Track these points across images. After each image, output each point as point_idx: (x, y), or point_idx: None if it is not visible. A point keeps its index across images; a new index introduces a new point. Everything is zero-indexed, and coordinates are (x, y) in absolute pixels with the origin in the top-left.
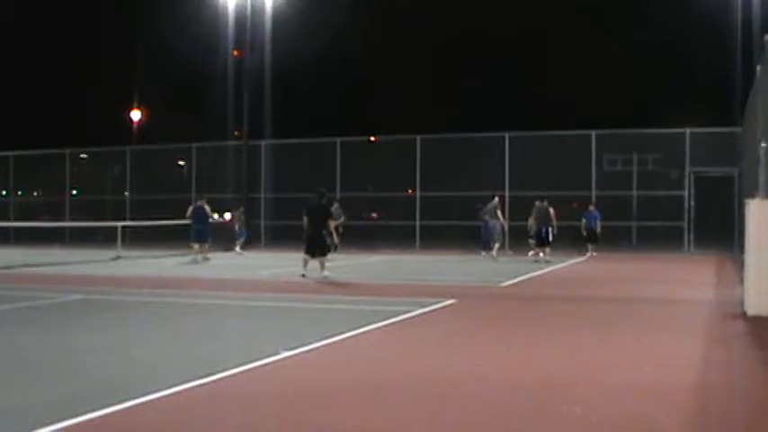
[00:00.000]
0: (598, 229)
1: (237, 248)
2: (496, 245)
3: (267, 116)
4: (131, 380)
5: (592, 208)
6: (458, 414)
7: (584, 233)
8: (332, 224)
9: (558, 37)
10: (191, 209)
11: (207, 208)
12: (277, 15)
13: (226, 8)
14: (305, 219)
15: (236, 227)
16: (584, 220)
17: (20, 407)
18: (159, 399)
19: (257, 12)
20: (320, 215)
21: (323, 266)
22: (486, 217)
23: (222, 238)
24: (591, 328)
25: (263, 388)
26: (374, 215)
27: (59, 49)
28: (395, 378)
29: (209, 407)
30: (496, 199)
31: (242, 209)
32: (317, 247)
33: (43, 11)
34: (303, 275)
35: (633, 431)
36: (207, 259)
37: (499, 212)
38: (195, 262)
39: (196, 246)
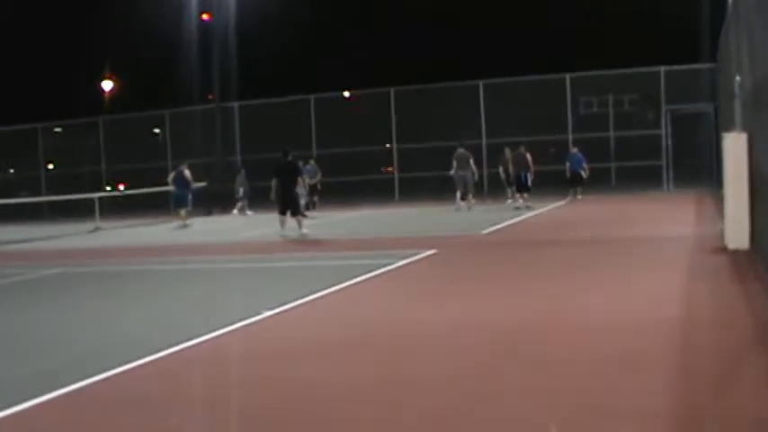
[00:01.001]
0: (585, 173)
1: (235, 211)
2: (470, 195)
3: (236, 77)
4: (113, 349)
5: (575, 150)
6: (441, 363)
7: (568, 175)
8: (305, 182)
9: None
10: (172, 175)
11: (187, 173)
12: None
13: None
14: (273, 179)
15: (241, 191)
16: (567, 163)
17: (2, 381)
18: (141, 366)
19: None
20: (288, 173)
21: (300, 224)
22: (456, 166)
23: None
24: (574, 270)
25: (243, 349)
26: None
27: (26, 23)
28: (375, 331)
29: (190, 370)
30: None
31: (242, 171)
32: (290, 206)
33: None
34: (282, 235)
35: (618, 367)
36: (186, 225)
37: (471, 162)
38: (182, 227)
39: (182, 211)
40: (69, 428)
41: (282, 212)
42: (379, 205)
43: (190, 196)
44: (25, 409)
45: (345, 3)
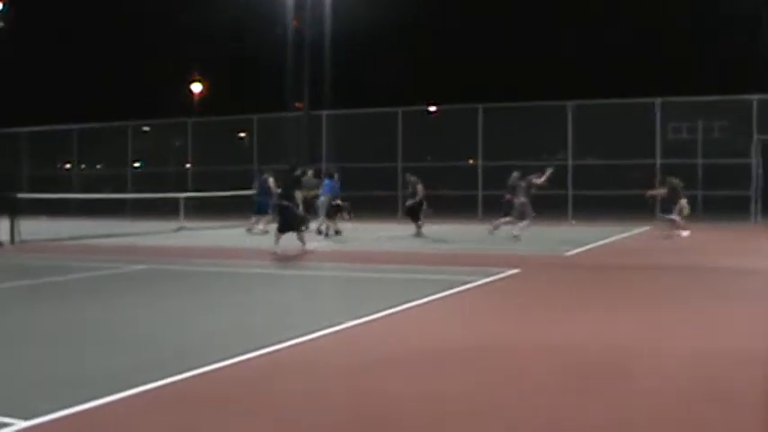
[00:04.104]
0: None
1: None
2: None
3: (327, 87)
4: (198, 348)
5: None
6: (524, 383)
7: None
8: (299, 195)
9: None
10: (256, 183)
11: (271, 182)
12: None
13: None
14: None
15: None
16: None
17: (91, 375)
18: (225, 367)
19: None
20: (289, 188)
21: (302, 241)
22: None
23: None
24: (660, 297)
25: (328, 358)
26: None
27: (121, 23)
28: (460, 347)
29: (273, 375)
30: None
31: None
32: (288, 223)
33: None
34: (275, 252)
35: (707, 398)
36: (266, 231)
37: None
38: (262, 233)
39: (262, 219)
40: (151, 426)
41: (280, 230)
42: (462, 221)
43: (269, 204)
44: (111, 402)
45: (441, 16)
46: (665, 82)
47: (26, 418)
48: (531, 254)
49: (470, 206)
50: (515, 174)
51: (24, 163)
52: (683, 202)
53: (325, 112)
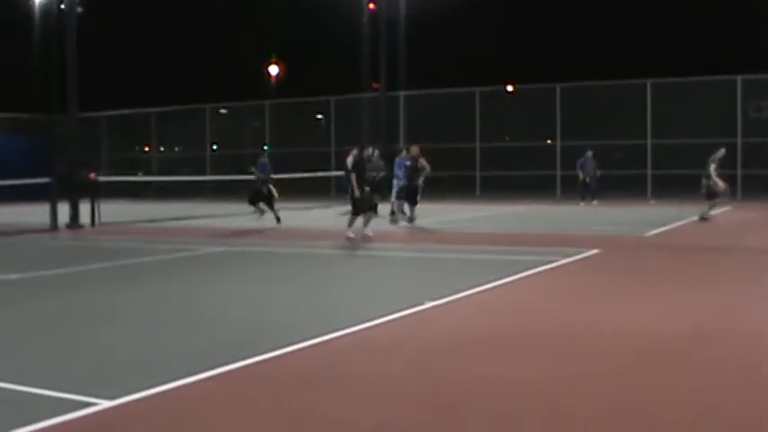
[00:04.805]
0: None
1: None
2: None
3: (403, 67)
4: (276, 329)
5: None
6: (605, 366)
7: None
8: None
9: None
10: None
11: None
12: None
13: None
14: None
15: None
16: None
17: (176, 355)
18: (304, 348)
19: None
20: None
21: (365, 224)
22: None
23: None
24: (743, 279)
25: (407, 338)
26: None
27: (198, 6)
28: (542, 330)
29: (352, 356)
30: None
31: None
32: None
33: None
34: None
35: None
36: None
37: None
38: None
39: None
40: (240, 404)
41: (354, 213)
42: (539, 201)
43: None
44: (196, 381)
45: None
46: (746, 60)
47: (111, 398)
48: (612, 234)
49: (549, 186)
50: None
51: (104, 146)
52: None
53: (402, 93)
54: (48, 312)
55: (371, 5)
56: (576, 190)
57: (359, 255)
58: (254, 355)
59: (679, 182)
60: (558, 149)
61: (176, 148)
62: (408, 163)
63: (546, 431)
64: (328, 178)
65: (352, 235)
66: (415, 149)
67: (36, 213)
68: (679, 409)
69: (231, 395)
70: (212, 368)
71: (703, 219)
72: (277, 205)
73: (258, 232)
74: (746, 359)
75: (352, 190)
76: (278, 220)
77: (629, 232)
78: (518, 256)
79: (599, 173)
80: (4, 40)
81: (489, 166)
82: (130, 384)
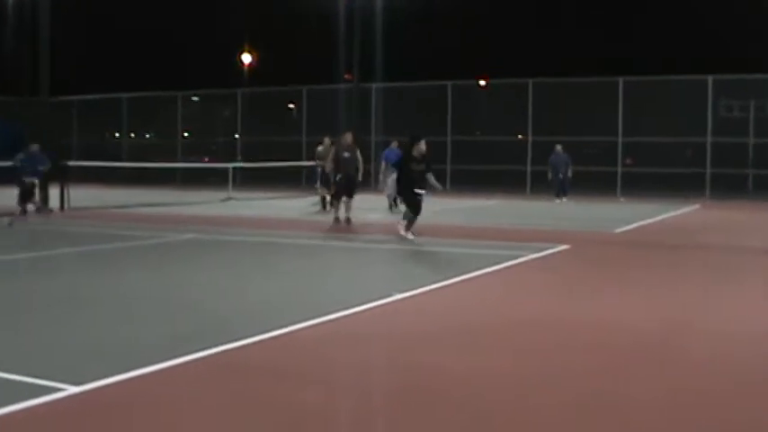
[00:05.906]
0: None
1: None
2: None
3: (378, 59)
4: (244, 318)
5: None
6: (568, 358)
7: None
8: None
9: None
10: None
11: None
12: None
13: None
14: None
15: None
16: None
17: (143, 341)
18: (272, 338)
19: None
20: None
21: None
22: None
23: None
24: (710, 276)
25: (375, 330)
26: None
27: None
28: (506, 322)
29: (320, 347)
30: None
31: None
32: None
33: None
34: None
35: (761, 378)
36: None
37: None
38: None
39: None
40: (205, 393)
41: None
42: (510, 196)
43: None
44: (163, 368)
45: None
46: (717, 59)
47: (77, 384)
48: (581, 231)
49: (519, 181)
50: None
51: (75, 131)
52: None
53: (374, 85)
54: (10, 297)
55: None
56: (552, 186)
57: (330, 245)
58: (221, 344)
59: (647, 180)
60: (530, 145)
61: (147, 135)
62: (347, 154)
63: (512, 422)
64: (299, 168)
65: (411, 237)
66: (348, 137)
67: (4, 196)
68: (648, 403)
69: (195, 384)
70: (180, 356)
71: None
72: (248, 194)
73: (228, 220)
74: (716, 353)
75: (404, 189)
76: None
77: (599, 229)
78: (487, 251)
79: (570, 172)
80: None
81: (460, 159)
82: (96, 370)
